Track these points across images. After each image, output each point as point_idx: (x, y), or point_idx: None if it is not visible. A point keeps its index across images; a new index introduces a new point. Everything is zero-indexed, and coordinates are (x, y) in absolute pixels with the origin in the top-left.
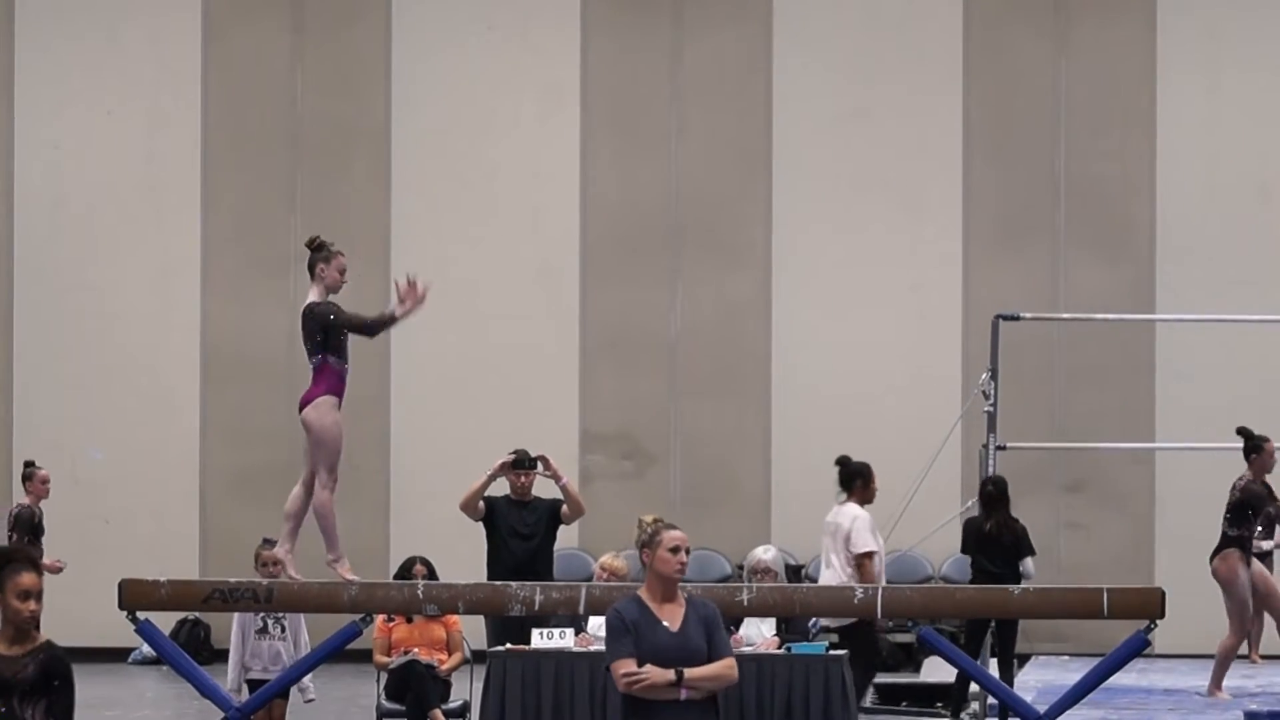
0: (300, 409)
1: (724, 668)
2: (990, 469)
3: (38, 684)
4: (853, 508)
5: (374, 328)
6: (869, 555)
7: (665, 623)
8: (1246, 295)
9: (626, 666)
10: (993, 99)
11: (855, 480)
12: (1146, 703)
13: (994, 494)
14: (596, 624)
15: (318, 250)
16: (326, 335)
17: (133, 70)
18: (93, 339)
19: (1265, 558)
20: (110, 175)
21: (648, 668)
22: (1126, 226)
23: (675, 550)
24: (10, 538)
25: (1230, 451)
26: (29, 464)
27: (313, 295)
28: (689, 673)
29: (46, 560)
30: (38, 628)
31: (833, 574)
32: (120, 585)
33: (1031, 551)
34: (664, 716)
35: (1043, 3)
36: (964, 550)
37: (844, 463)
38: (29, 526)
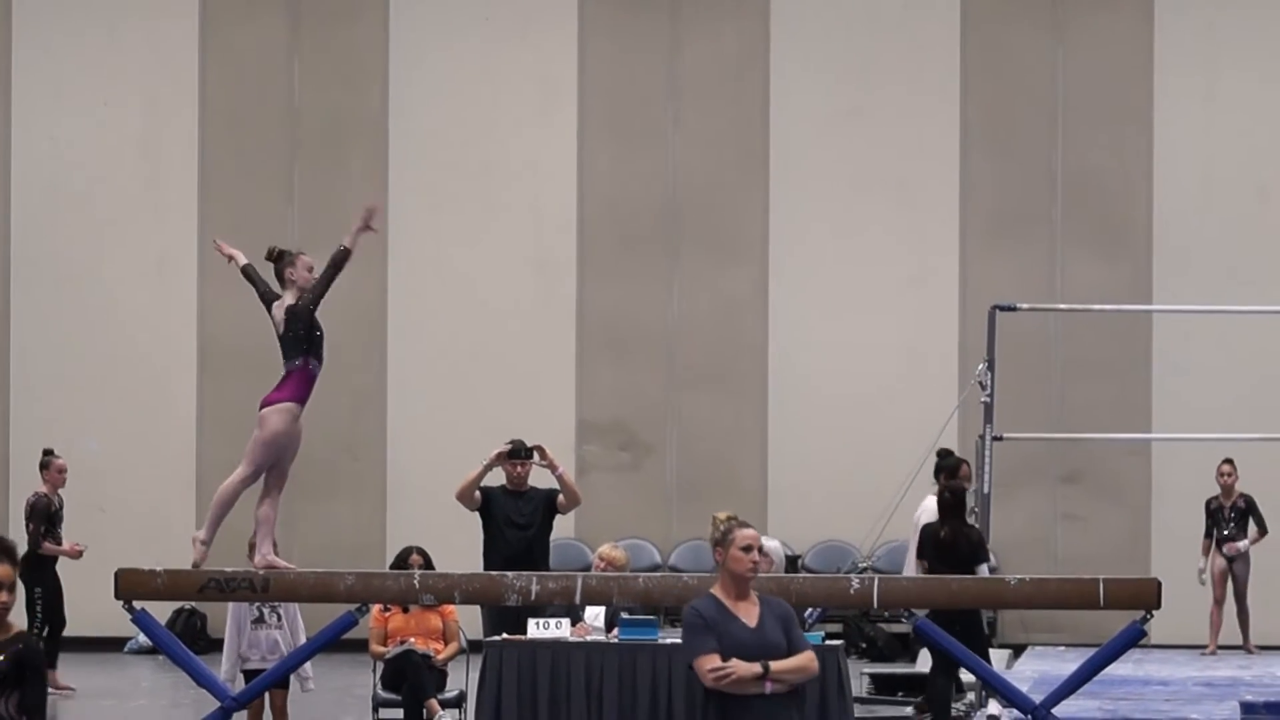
0: (261, 407)
1: (807, 660)
2: (987, 460)
3: (10, 676)
4: (929, 500)
5: (339, 266)
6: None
7: (742, 619)
8: (1243, 289)
9: (712, 661)
10: (990, 94)
11: (939, 474)
12: (1143, 693)
13: (950, 501)
14: (593, 614)
15: (279, 259)
16: (310, 334)
17: (130, 64)
18: (90, 331)
19: (1240, 556)
20: (108, 168)
21: (733, 661)
22: (1124, 221)
23: (747, 549)
24: (27, 526)
25: (1226, 443)
26: (47, 452)
27: (287, 300)
28: (775, 665)
29: (66, 545)
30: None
31: (907, 562)
32: (116, 575)
33: (987, 559)
34: (753, 710)
35: None
36: (920, 555)
37: (940, 454)
38: (45, 515)
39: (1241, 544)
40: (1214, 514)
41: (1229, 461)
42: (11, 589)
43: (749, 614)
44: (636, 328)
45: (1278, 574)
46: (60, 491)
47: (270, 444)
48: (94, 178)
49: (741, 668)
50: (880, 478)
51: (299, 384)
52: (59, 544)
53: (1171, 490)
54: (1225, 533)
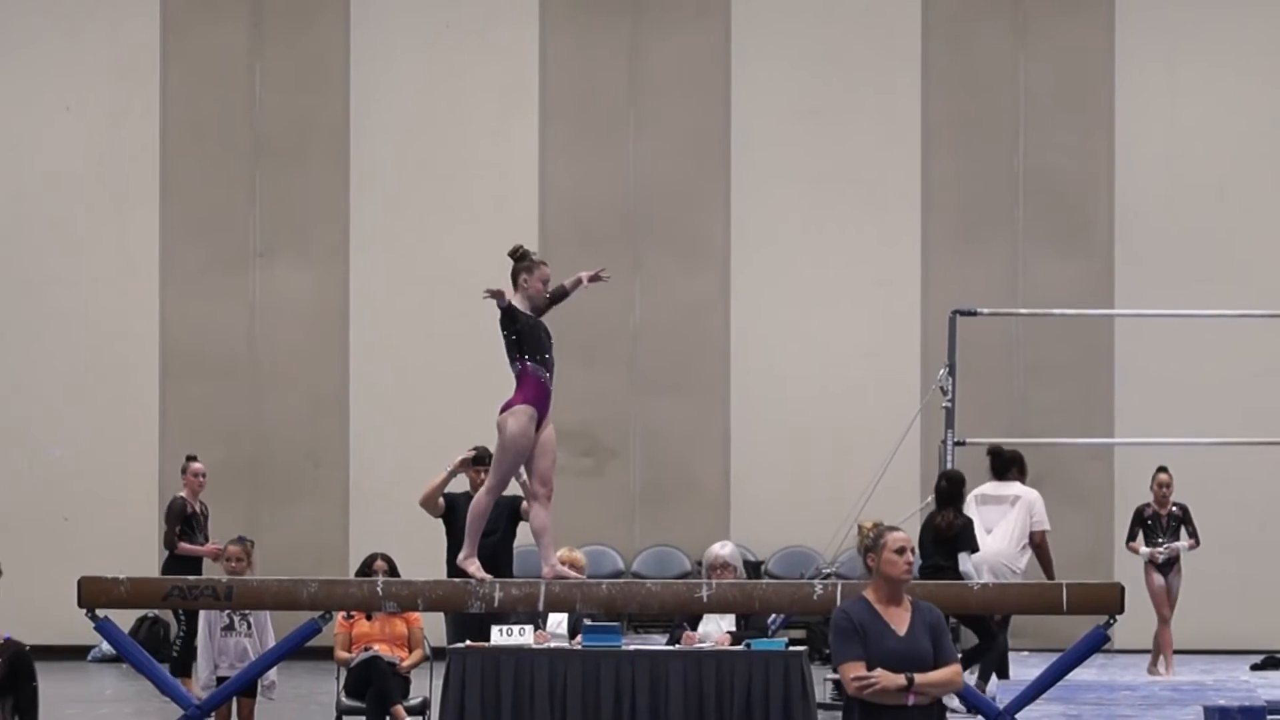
0: (500, 412)
1: (952, 674)
2: (949, 465)
3: (4, 682)
4: (1023, 486)
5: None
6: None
7: (893, 626)
8: (1205, 290)
9: (857, 670)
10: (952, 94)
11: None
12: (1107, 698)
13: (946, 489)
14: (556, 621)
15: (520, 260)
16: (520, 339)
17: (92, 66)
18: (52, 335)
19: (1175, 568)
20: (70, 173)
21: (878, 672)
22: (1085, 222)
23: (901, 551)
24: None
25: (1187, 447)
26: (191, 458)
27: (515, 303)
28: (919, 678)
29: (206, 546)
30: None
31: (1005, 539)
32: (79, 583)
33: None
34: None
35: None
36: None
37: (997, 451)
38: (179, 516)
39: (1179, 544)
40: (1147, 521)
41: (1165, 470)
42: None
43: (900, 620)
44: (599, 331)
45: (1253, 579)
46: (201, 496)
47: (508, 449)
48: (56, 182)
49: (886, 679)
50: (843, 483)
51: (526, 386)
52: (199, 547)
53: (1134, 494)
54: (1160, 541)
